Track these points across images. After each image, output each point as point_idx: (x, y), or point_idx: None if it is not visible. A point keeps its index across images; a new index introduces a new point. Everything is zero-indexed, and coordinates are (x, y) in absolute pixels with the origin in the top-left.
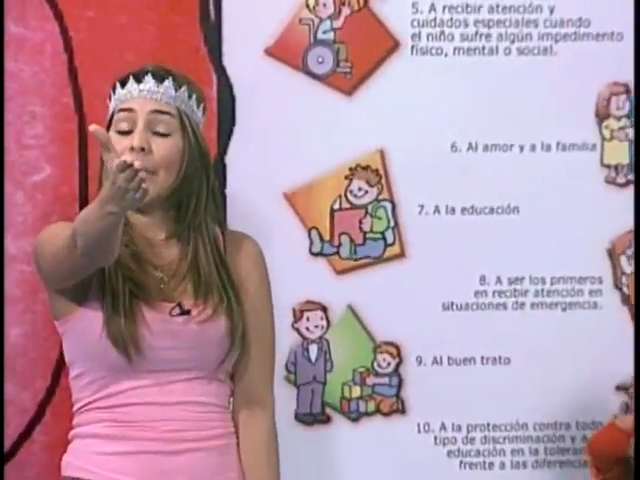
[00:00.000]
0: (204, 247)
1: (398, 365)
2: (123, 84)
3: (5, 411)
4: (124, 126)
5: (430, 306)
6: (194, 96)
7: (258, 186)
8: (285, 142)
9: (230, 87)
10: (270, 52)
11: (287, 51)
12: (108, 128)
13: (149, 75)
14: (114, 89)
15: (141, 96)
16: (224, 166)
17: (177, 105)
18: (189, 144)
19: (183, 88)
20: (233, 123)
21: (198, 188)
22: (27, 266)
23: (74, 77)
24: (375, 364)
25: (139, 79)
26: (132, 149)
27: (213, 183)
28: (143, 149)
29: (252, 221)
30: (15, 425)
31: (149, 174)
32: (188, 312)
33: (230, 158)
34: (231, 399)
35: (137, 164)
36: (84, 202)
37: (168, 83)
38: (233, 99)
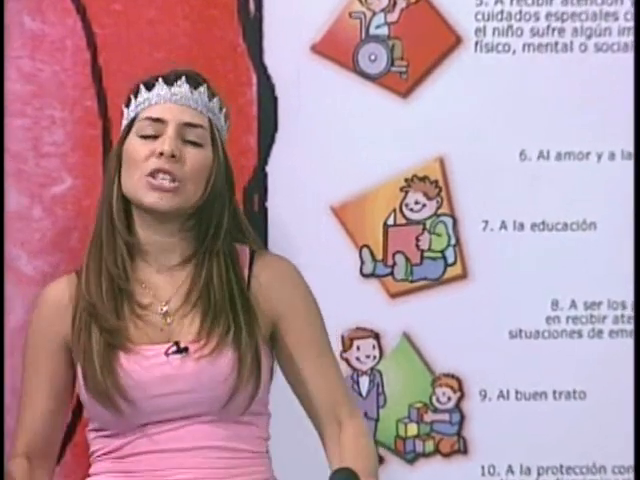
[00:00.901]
0: (219, 273)
1: (460, 400)
2: (148, 87)
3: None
4: (149, 130)
5: (496, 334)
6: (223, 110)
7: (302, 199)
8: (333, 150)
9: (272, 88)
10: (317, 49)
11: (335, 48)
12: (124, 138)
13: (183, 79)
14: (136, 92)
15: (173, 100)
16: (265, 176)
17: (209, 116)
18: (218, 159)
19: (215, 99)
20: (275, 128)
21: (221, 209)
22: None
23: (98, 77)
24: (434, 399)
25: (170, 81)
26: (161, 155)
27: (235, 205)
28: (174, 156)
29: (295, 238)
30: None
31: (177, 183)
32: (185, 350)
33: (272, 167)
34: (267, 443)
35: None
36: None
37: (203, 89)
38: (275, 101)
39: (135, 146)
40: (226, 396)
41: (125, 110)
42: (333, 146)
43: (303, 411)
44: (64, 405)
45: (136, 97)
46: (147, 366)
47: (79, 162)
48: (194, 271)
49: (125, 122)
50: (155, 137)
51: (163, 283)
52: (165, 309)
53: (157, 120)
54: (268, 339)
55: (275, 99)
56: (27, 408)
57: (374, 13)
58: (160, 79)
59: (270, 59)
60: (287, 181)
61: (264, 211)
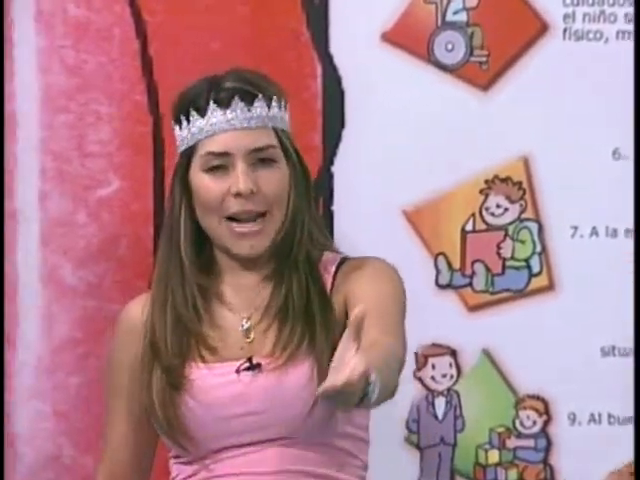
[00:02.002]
0: (299, 286)
1: (546, 424)
2: (199, 110)
3: (59, 475)
4: (215, 163)
5: (586, 351)
6: (282, 100)
7: (372, 202)
8: (405, 148)
9: (338, 80)
10: (388, 37)
11: (409, 36)
12: (186, 165)
13: (236, 98)
14: (187, 114)
15: (231, 127)
16: (331, 177)
17: (274, 126)
18: (294, 169)
19: (274, 99)
20: (342, 124)
21: (302, 217)
22: (90, 300)
23: (148, 70)
24: (517, 423)
25: (223, 103)
26: (238, 195)
27: (315, 206)
28: (252, 192)
29: (363, 245)
30: None
31: (262, 217)
32: (258, 366)
33: (338, 168)
34: (364, 472)
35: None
36: (160, 222)
37: (259, 103)
38: (342, 95)
39: (204, 184)
40: (301, 413)
41: (176, 128)
42: (406, 144)
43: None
44: (147, 431)
45: (187, 119)
46: (217, 385)
47: (127, 162)
48: (274, 286)
49: (181, 147)
50: (223, 168)
51: (244, 299)
52: (247, 325)
53: (221, 154)
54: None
55: (342, 92)
56: (108, 435)
57: None
58: (212, 102)
59: (337, 49)
60: (355, 182)
61: (329, 215)
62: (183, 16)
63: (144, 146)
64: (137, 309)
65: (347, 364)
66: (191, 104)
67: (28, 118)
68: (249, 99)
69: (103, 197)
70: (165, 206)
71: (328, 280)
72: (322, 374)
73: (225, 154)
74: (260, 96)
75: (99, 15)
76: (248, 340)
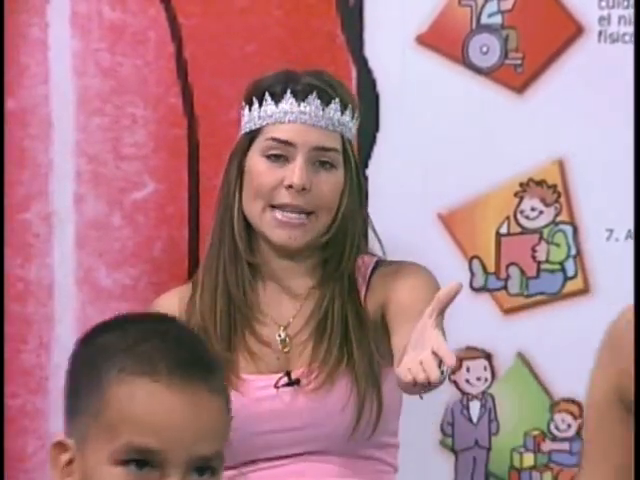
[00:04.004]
0: (341, 298)
1: (581, 427)
2: (275, 96)
3: None
4: (276, 151)
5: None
6: (355, 114)
7: (407, 205)
8: (440, 151)
9: (373, 83)
10: (422, 40)
11: (443, 39)
12: (246, 146)
13: (314, 94)
14: (260, 97)
15: (301, 120)
16: (365, 180)
17: (341, 132)
18: (351, 180)
19: (348, 109)
20: (376, 128)
21: (353, 229)
22: (125, 303)
23: (183, 73)
24: (552, 426)
25: (300, 96)
26: (290, 187)
27: (365, 218)
28: (304, 188)
29: (398, 249)
30: None
31: (307, 215)
32: (297, 382)
33: (373, 171)
34: (394, 476)
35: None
36: (195, 225)
37: (335, 105)
38: (377, 98)
39: (260, 169)
40: (345, 430)
41: (245, 109)
42: (440, 147)
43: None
44: None
45: (260, 103)
46: (255, 399)
47: (162, 165)
48: (318, 296)
49: (245, 128)
50: (282, 157)
51: (284, 307)
52: (284, 335)
53: (285, 142)
54: (387, 351)
55: (376, 95)
56: None
57: (486, 0)
58: (289, 91)
59: (371, 51)
60: (389, 186)
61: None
62: (218, 19)
63: (179, 149)
64: (171, 301)
65: (428, 341)
66: (268, 88)
67: (63, 121)
68: (326, 98)
69: (138, 200)
70: (219, 188)
71: (363, 286)
72: (360, 392)
73: (288, 143)
74: (337, 99)
75: (134, 18)
76: (285, 350)
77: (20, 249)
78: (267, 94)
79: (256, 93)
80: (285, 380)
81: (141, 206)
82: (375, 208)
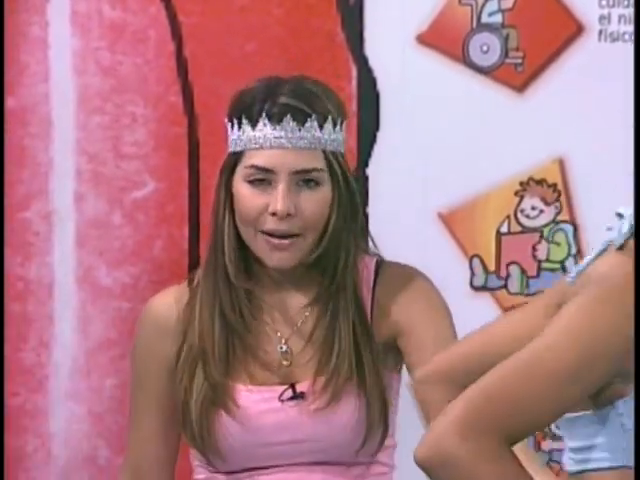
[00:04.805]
0: (345, 311)
1: None
2: (251, 120)
3: (96, 475)
4: (257, 176)
5: None
6: (339, 120)
7: (407, 205)
8: (440, 150)
9: (373, 82)
10: (423, 39)
11: (444, 38)
12: (232, 167)
13: (288, 116)
14: (239, 119)
15: (279, 144)
16: (366, 180)
17: (323, 148)
18: (339, 193)
19: (328, 120)
20: (377, 127)
21: (347, 240)
22: (125, 302)
23: (183, 71)
24: (552, 425)
25: (275, 118)
26: (274, 215)
27: (362, 224)
28: (289, 214)
29: (399, 248)
30: None
31: (295, 237)
32: (302, 395)
33: (373, 170)
34: (391, 475)
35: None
36: (195, 224)
37: (311, 123)
38: (377, 97)
39: (245, 195)
40: (352, 448)
41: (228, 126)
42: (440, 146)
43: None
44: (175, 426)
45: (239, 124)
46: (259, 412)
47: (162, 164)
48: (319, 309)
49: (230, 147)
50: (265, 181)
51: (284, 322)
52: (285, 348)
53: (264, 169)
54: (391, 360)
55: (377, 95)
56: (134, 430)
57: None
58: (264, 115)
59: (372, 50)
60: (390, 185)
61: (364, 218)
62: (218, 17)
63: (179, 148)
64: (164, 304)
65: None
66: (244, 112)
67: (63, 120)
68: (301, 118)
69: (138, 198)
70: (213, 207)
71: (367, 297)
72: (371, 407)
73: (268, 170)
74: (313, 117)
75: (134, 17)
76: (286, 363)
77: (20, 248)
78: (244, 118)
79: (235, 114)
80: (290, 393)
81: (141, 205)
82: (376, 207)
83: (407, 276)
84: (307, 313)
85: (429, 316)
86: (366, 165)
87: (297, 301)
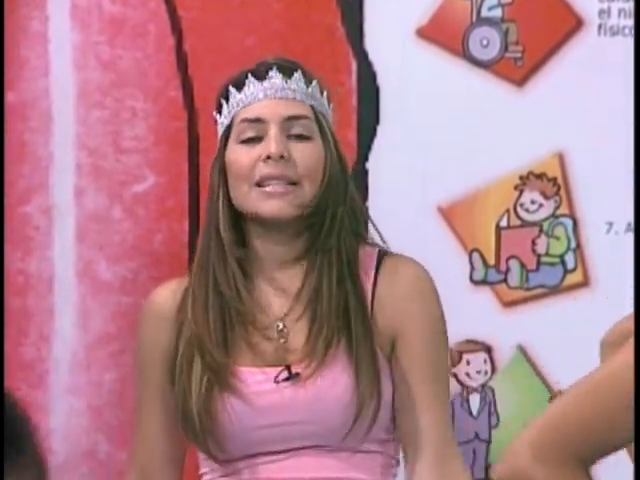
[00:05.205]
0: (329, 277)
1: None
2: (238, 86)
3: (97, 470)
4: (250, 133)
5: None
6: (325, 92)
7: (407, 198)
8: (441, 144)
9: (373, 76)
10: (423, 33)
11: (443, 32)
12: (223, 148)
13: (274, 69)
14: (226, 95)
15: (268, 96)
16: (365, 173)
17: (311, 104)
18: (329, 150)
19: (314, 82)
20: (377, 120)
21: (335, 204)
22: (125, 296)
23: (183, 65)
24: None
25: (261, 75)
26: (268, 158)
27: (352, 196)
28: (282, 157)
29: (398, 242)
30: None
31: (292, 185)
32: (297, 375)
33: (373, 164)
34: (395, 469)
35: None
36: (195, 218)
37: (298, 75)
38: (377, 91)
39: (238, 154)
40: (343, 426)
41: (218, 117)
42: (440, 140)
43: None
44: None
45: (227, 100)
46: (255, 393)
47: (162, 158)
48: (304, 275)
49: (221, 130)
50: (257, 139)
51: (279, 297)
52: (281, 325)
53: (256, 120)
54: (388, 354)
55: (377, 88)
56: (140, 426)
57: None
58: (249, 75)
59: (371, 44)
60: (390, 179)
61: (366, 209)
62: (218, 12)
63: (179, 142)
64: (167, 294)
65: None
66: (231, 84)
67: (63, 114)
68: (287, 72)
69: (138, 193)
70: (208, 187)
71: (367, 281)
72: (361, 387)
73: (259, 120)
74: (299, 71)
75: (134, 11)
76: (282, 341)
77: (20, 242)
78: (231, 88)
79: (222, 94)
80: (285, 374)
81: (141, 199)
82: (375, 202)
83: (408, 272)
84: (298, 283)
85: (423, 322)
86: (366, 159)
87: (293, 277)
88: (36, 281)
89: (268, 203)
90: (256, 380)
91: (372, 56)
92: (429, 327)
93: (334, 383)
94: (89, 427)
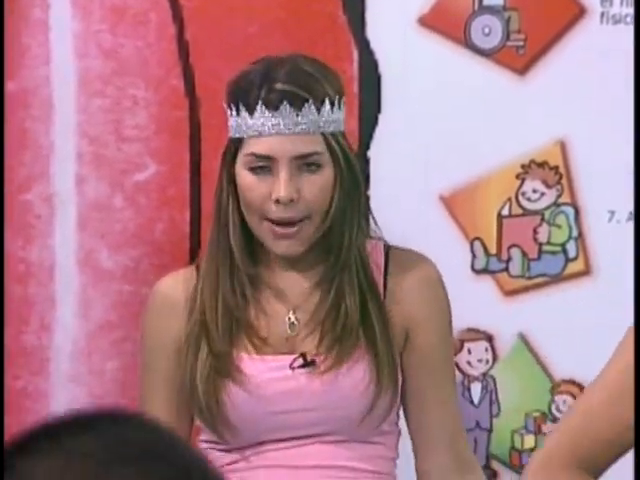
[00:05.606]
0: (350, 284)
1: None
2: (248, 107)
3: None
4: (258, 164)
5: (622, 335)
6: (336, 99)
7: (409, 187)
8: (442, 133)
9: (375, 64)
10: (424, 22)
11: (445, 20)
12: (233, 153)
13: (285, 102)
14: (236, 105)
15: (278, 132)
16: (367, 162)
17: (322, 131)
18: (341, 173)
19: (325, 102)
20: (378, 109)
21: (351, 218)
22: (127, 285)
23: (185, 54)
24: (553, 407)
25: (271, 105)
26: (277, 202)
27: (365, 202)
28: (292, 200)
29: (400, 231)
30: None
31: (301, 224)
32: (312, 363)
33: (374, 153)
34: (394, 463)
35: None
36: (196, 207)
37: (308, 107)
38: (378, 79)
39: (247, 183)
40: (359, 414)
41: (227, 111)
42: (442, 129)
43: None
44: (186, 409)
45: (237, 111)
46: (269, 380)
47: (164, 147)
48: (324, 288)
49: (231, 133)
50: (266, 168)
51: (289, 292)
52: (293, 319)
53: (264, 157)
54: (400, 347)
55: (379, 77)
56: (145, 410)
57: None
58: (260, 102)
59: (373, 33)
60: (391, 168)
61: (367, 201)
62: (219, 0)
63: (180, 130)
64: (175, 284)
65: None
66: (241, 98)
67: (64, 102)
68: (298, 104)
69: (140, 181)
70: (215, 191)
71: (379, 276)
72: (381, 377)
73: (268, 158)
74: (310, 101)
75: (135, 0)
76: (294, 334)
77: (21, 230)
78: (241, 105)
79: (233, 100)
80: (300, 361)
81: (142, 188)
82: (377, 190)
83: (418, 267)
84: (312, 292)
85: (436, 315)
86: (367, 148)
87: (302, 284)
88: (37, 269)
89: (280, 244)
90: (270, 367)
91: (374, 44)
92: (442, 325)
93: (351, 371)
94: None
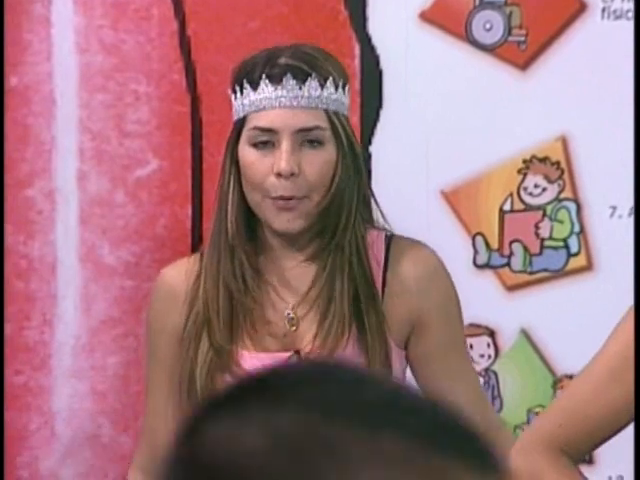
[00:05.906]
0: (341, 270)
1: None
2: (252, 83)
3: (101, 455)
4: (261, 138)
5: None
6: (340, 82)
7: (410, 182)
8: (444, 128)
9: (376, 60)
10: (426, 17)
11: (447, 16)
12: (237, 135)
13: (288, 75)
14: (240, 85)
15: (281, 104)
16: (369, 157)
17: (325, 107)
18: (343, 153)
19: (329, 81)
20: (380, 104)
21: (350, 200)
22: (128, 280)
23: (186, 49)
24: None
25: (275, 79)
26: (279, 175)
27: (365, 187)
28: (293, 173)
29: (402, 226)
30: (114, 475)
31: (302, 200)
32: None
33: (376, 148)
34: None
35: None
36: (198, 202)
37: (312, 82)
38: (380, 75)
39: (250, 159)
40: None
41: (232, 96)
42: (443, 124)
43: None
44: (188, 400)
45: (241, 91)
46: None
47: (165, 142)
48: (316, 271)
49: (234, 116)
50: (269, 143)
51: (288, 284)
52: (291, 314)
53: (267, 130)
54: (404, 338)
55: (380, 72)
56: (150, 405)
57: None
58: (264, 76)
59: (375, 28)
60: (393, 163)
61: (370, 192)
62: None
63: (182, 126)
64: (178, 274)
65: None
66: (245, 77)
67: (66, 98)
68: (301, 77)
69: (141, 177)
70: (219, 178)
71: (378, 270)
72: (372, 367)
73: (271, 130)
74: (313, 75)
75: None
76: (293, 329)
77: (23, 226)
78: (245, 82)
79: (237, 81)
80: (295, 359)
81: (144, 183)
82: (378, 185)
83: (420, 255)
84: (307, 273)
85: (444, 302)
86: (369, 143)
87: (301, 269)
88: (39, 265)
89: (279, 218)
90: (265, 365)
91: (375, 40)
92: (451, 311)
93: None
94: (92, 411)
